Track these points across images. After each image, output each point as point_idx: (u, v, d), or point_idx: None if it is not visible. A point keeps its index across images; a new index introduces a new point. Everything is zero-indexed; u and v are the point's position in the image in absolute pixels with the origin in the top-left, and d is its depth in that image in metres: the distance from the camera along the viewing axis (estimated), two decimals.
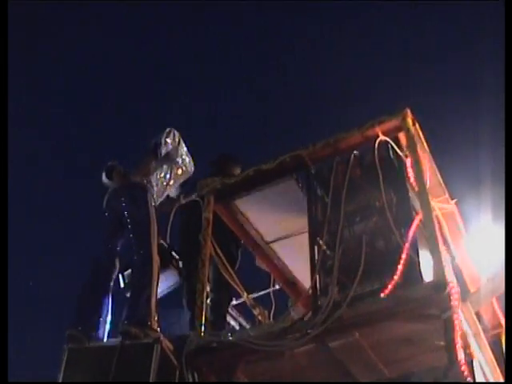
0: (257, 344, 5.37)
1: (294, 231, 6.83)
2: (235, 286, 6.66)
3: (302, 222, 6.67)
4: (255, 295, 7.43)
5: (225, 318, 6.75)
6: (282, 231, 6.88)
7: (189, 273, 6.86)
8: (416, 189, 5.89)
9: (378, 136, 6.06)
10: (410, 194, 5.86)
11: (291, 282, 7.25)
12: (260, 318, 6.86)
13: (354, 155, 6.18)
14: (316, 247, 5.95)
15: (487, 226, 7.14)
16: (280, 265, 7.15)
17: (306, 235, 6.68)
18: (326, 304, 5.39)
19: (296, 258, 7.03)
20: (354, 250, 5.74)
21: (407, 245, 5.45)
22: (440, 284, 5.04)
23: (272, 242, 6.96)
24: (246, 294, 6.80)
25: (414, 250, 5.48)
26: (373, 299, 5.33)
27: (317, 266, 5.75)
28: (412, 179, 5.96)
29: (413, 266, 5.41)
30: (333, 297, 5.42)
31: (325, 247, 5.86)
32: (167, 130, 7.07)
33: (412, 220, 5.70)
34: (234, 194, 6.59)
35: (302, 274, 7.18)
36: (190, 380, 5.59)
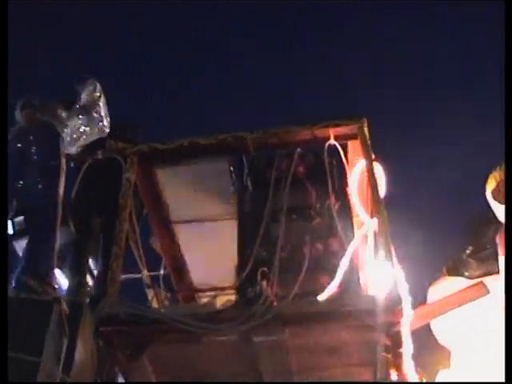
0: (187, 324, 4.89)
1: (206, 217, 6.45)
2: (138, 260, 6.10)
3: (220, 209, 6.40)
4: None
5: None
6: (194, 214, 6.45)
7: (83, 233, 6.21)
8: (357, 199, 5.80)
9: (328, 138, 5.89)
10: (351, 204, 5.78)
11: (180, 270, 6.79)
12: (154, 300, 6.31)
13: (298, 153, 5.98)
14: (245, 239, 5.68)
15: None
16: (176, 249, 6.67)
17: (218, 223, 6.46)
18: (265, 296, 5.07)
19: (196, 246, 6.64)
20: (289, 248, 5.51)
21: (349, 253, 5.33)
22: (394, 298, 4.91)
23: (178, 222, 6.48)
24: (145, 271, 6.25)
25: (356, 259, 5.38)
26: (313, 300, 5.08)
27: (251, 258, 5.42)
28: (354, 189, 5.88)
29: (353, 274, 5.29)
30: (273, 290, 5.13)
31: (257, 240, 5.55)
32: (90, 80, 6.47)
33: (353, 228, 5.63)
34: (159, 162, 6.08)
35: (195, 263, 6.82)
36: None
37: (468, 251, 7.14)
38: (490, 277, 6.70)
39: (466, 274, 7.13)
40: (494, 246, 6.73)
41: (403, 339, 4.85)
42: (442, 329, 6.92)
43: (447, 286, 7.04)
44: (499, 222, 6.30)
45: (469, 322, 6.62)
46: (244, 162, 6.14)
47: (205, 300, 6.77)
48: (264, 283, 5.24)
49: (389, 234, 5.28)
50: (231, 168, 6.16)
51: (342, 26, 18.81)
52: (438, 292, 7.02)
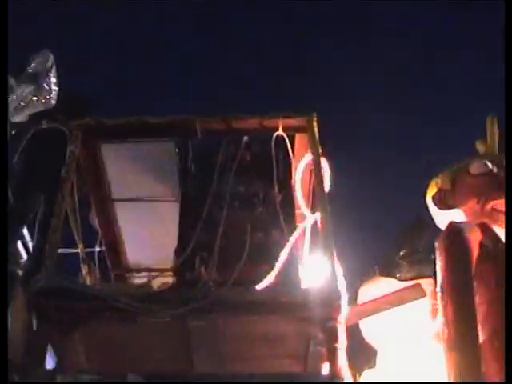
0: (124, 303, 4.83)
1: (148, 196, 6.41)
2: (75, 234, 5.99)
3: (162, 190, 6.41)
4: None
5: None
6: (135, 193, 6.38)
7: (20, 202, 6.08)
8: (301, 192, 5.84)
9: (277, 129, 5.91)
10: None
11: (116, 248, 6.71)
12: (87, 277, 6.19)
13: (245, 141, 5.98)
14: (185, 222, 5.67)
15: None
16: (114, 227, 6.58)
17: (160, 204, 6.46)
18: (203, 281, 5.07)
19: (135, 225, 6.57)
20: (230, 235, 5.51)
21: (290, 245, 5.36)
22: (331, 292, 4.95)
23: (118, 200, 6.40)
24: (82, 245, 6.13)
25: (296, 252, 5.41)
26: (250, 289, 5.10)
27: (191, 242, 5.41)
28: (298, 182, 5.90)
29: (292, 266, 5.32)
30: (211, 275, 5.12)
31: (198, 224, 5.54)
32: (43, 51, 6.43)
33: (294, 221, 5.65)
34: (105, 137, 5.99)
35: (133, 243, 6.75)
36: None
37: (401, 253, 7.20)
38: (421, 280, 6.76)
39: (398, 275, 7.18)
40: (428, 250, 6.81)
41: (338, 334, 4.89)
42: (371, 328, 6.97)
43: (379, 286, 7.08)
44: (436, 228, 6.41)
45: (397, 324, 6.67)
46: (189, 145, 6.12)
47: (139, 280, 6.72)
48: (202, 268, 5.25)
49: (331, 229, 5.33)
50: (177, 150, 6.12)
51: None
52: (370, 292, 7.06)
